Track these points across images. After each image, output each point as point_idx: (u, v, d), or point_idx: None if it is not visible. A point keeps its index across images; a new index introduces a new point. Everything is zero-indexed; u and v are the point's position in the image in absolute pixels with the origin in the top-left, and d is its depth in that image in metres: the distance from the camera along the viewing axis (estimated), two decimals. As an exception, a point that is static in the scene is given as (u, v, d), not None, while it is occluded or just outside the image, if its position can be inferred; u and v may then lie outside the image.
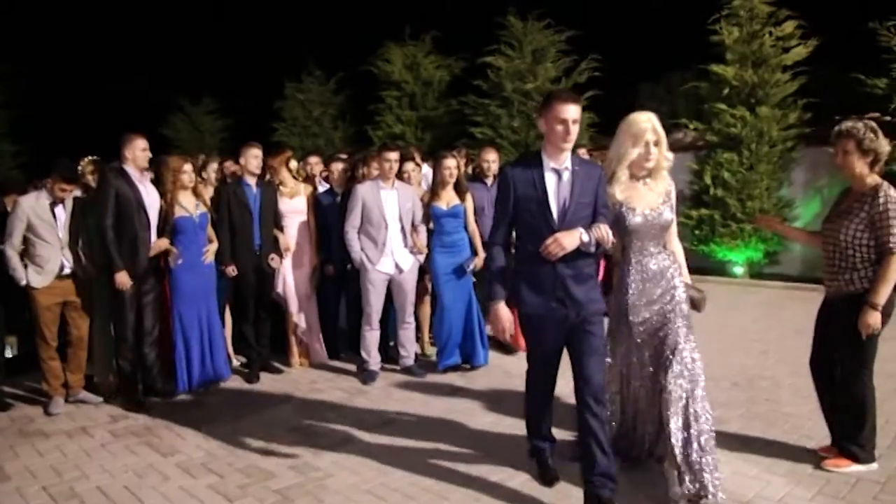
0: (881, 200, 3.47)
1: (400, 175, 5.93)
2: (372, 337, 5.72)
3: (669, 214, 3.58)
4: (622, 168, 3.53)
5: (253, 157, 5.71)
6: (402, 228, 5.64)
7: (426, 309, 6.38)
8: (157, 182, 5.35)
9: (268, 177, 5.99)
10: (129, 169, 5.09)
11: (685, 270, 3.73)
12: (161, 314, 5.38)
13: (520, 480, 3.68)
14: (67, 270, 5.03)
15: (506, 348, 6.35)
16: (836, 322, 3.70)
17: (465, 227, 5.87)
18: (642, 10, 17.73)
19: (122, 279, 4.95)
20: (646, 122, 3.50)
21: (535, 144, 11.25)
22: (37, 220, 4.91)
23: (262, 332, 5.91)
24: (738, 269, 10.43)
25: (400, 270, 5.63)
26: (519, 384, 5.35)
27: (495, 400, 5.03)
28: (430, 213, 5.80)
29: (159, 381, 5.31)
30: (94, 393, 5.30)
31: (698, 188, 10.71)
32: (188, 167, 5.35)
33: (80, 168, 5.42)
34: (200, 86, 17.28)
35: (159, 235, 5.20)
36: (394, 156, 5.57)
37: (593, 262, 3.44)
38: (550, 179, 3.28)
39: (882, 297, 3.46)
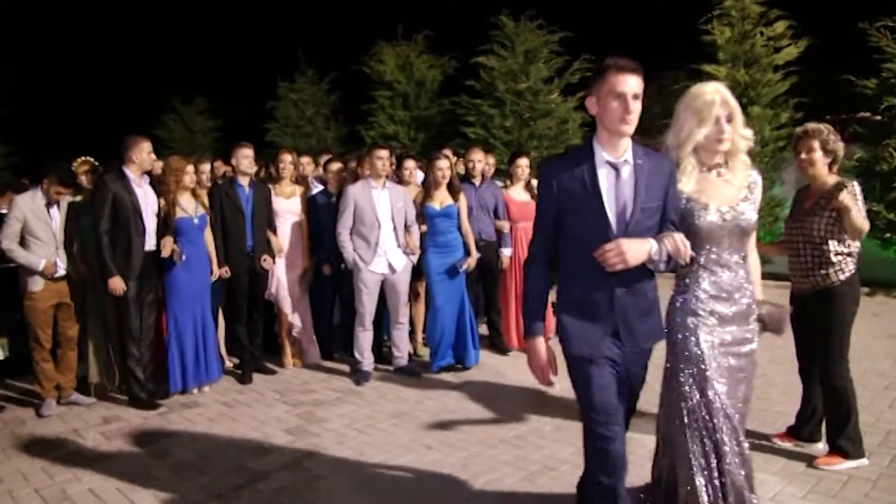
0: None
1: (400, 174, 5.93)
2: (365, 337, 5.71)
3: (752, 214, 2.84)
4: (687, 155, 2.84)
5: (244, 158, 5.70)
6: (395, 228, 5.62)
7: (420, 309, 6.38)
8: (157, 183, 5.34)
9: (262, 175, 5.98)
10: (130, 172, 5.08)
11: (759, 289, 3.04)
12: (157, 315, 5.37)
13: (514, 480, 3.69)
14: (62, 272, 5.01)
15: (499, 348, 6.36)
16: (814, 318, 3.78)
17: (459, 228, 5.86)
18: (634, 11, 17.78)
19: (116, 284, 4.94)
20: (712, 93, 2.78)
21: (527, 144, 11.26)
22: (33, 218, 4.90)
23: (254, 333, 5.91)
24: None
25: (393, 271, 5.62)
26: (512, 383, 5.40)
27: (489, 400, 5.04)
28: (423, 213, 5.79)
29: (151, 382, 5.29)
30: (85, 394, 5.29)
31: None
32: (190, 168, 5.34)
33: (73, 168, 5.40)
34: (192, 86, 17.23)
35: (161, 236, 5.19)
36: (384, 153, 5.57)
37: (655, 285, 2.75)
38: (605, 176, 2.56)
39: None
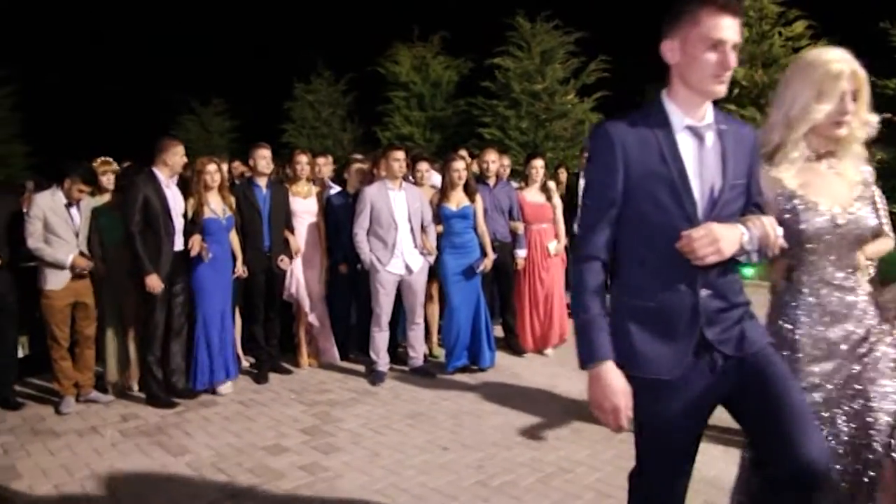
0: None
1: (413, 175, 5.94)
2: (381, 338, 5.72)
3: (872, 219, 2.25)
4: (797, 138, 2.23)
5: (262, 158, 5.73)
6: (412, 229, 5.63)
7: (435, 310, 6.38)
8: (184, 184, 5.42)
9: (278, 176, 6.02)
10: (160, 173, 5.15)
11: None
12: (187, 313, 5.43)
13: (529, 481, 3.68)
14: (89, 270, 5.08)
15: (514, 349, 6.35)
16: None
17: (475, 229, 5.86)
18: (651, 11, 17.68)
19: (153, 282, 4.99)
20: (839, 61, 2.17)
21: (543, 145, 11.22)
22: (53, 216, 4.95)
23: (271, 332, 5.93)
24: (748, 270, 10.37)
25: (410, 271, 5.62)
26: (527, 384, 5.39)
27: (504, 401, 5.03)
28: (439, 214, 5.80)
29: (181, 381, 5.35)
30: (103, 391, 5.34)
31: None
32: (211, 168, 5.38)
33: (93, 168, 5.46)
34: (210, 87, 17.36)
35: (188, 236, 5.24)
36: (400, 155, 5.58)
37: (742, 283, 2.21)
38: (687, 145, 1.98)
39: None
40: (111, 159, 5.55)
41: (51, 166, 5.13)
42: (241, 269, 5.59)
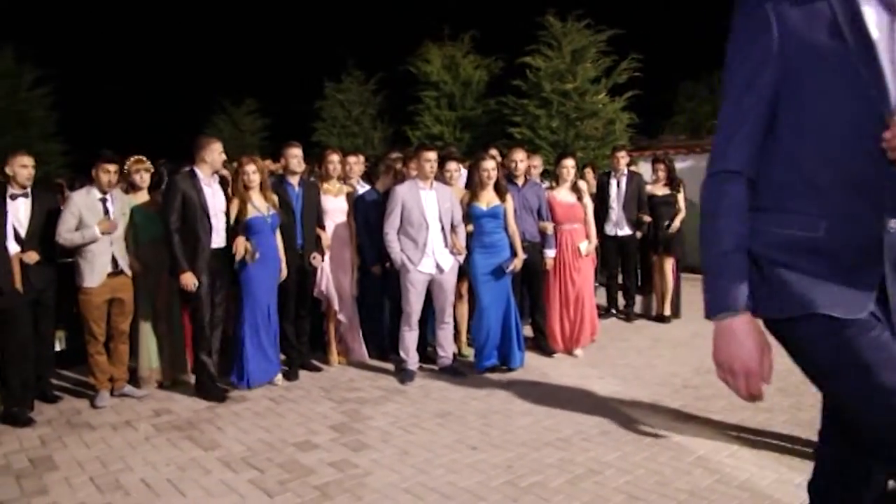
0: None
1: (442, 175, 5.93)
2: (410, 337, 5.73)
3: None
4: None
5: (293, 157, 5.77)
6: (443, 229, 5.62)
7: (464, 309, 6.38)
8: (225, 183, 5.51)
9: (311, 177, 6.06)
10: (200, 171, 5.22)
11: None
12: (229, 311, 5.51)
13: (558, 482, 3.66)
14: (122, 267, 5.16)
15: (544, 350, 6.32)
16: None
17: (505, 228, 5.84)
18: (684, 8, 17.50)
19: (187, 280, 5.07)
20: None
21: (574, 145, 11.16)
22: (88, 213, 5.04)
23: (302, 330, 5.97)
24: None
25: (441, 270, 5.62)
26: (556, 385, 5.36)
27: (533, 401, 5.01)
28: (469, 214, 5.79)
29: (218, 375, 5.43)
30: (136, 386, 5.43)
31: (741, 189, 10.50)
32: (249, 168, 5.43)
33: (126, 168, 5.55)
34: (242, 87, 17.56)
35: (232, 235, 5.31)
36: (432, 155, 5.58)
37: None
38: (875, 18, 1.48)
39: None
40: (144, 158, 5.64)
41: (86, 164, 5.22)
42: (284, 272, 5.64)
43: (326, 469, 3.91)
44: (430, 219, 5.55)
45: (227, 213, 5.36)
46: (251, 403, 5.14)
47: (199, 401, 5.23)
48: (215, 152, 5.28)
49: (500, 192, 5.80)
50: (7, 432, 4.60)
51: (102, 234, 5.03)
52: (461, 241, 5.76)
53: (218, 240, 5.27)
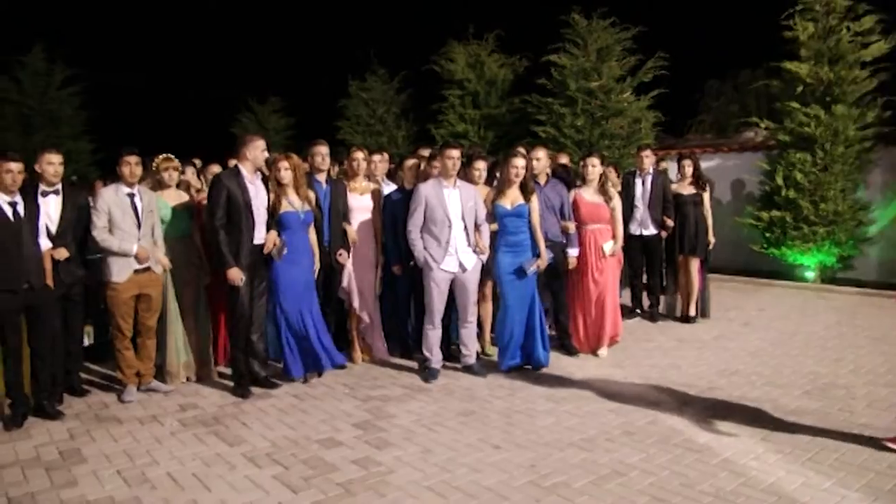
0: None
1: (469, 173, 5.90)
2: (434, 335, 5.73)
3: None
4: None
5: (320, 155, 5.81)
6: (466, 227, 5.58)
7: (488, 308, 6.35)
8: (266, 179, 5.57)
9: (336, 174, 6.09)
10: (243, 168, 5.29)
11: None
12: (269, 306, 5.56)
13: (582, 483, 3.64)
14: (152, 265, 5.22)
15: (568, 349, 6.29)
16: None
17: (530, 228, 5.79)
18: (710, 6, 17.32)
19: (234, 275, 5.14)
20: None
21: (599, 144, 11.11)
22: (117, 210, 5.10)
23: (328, 326, 5.99)
24: (810, 274, 10.08)
25: (464, 269, 5.59)
26: (580, 385, 5.33)
27: (556, 401, 4.99)
28: (493, 213, 5.75)
29: (263, 371, 5.50)
30: (163, 381, 5.50)
31: (769, 189, 10.39)
32: (283, 164, 5.50)
33: (154, 165, 5.61)
34: (267, 85, 17.68)
35: (267, 230, 5.37)
36: (456, 153, 5.56)
37: None
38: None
39: None
40: (172, 156, 5.70)
41: (114, 163, 5.28)
42: (317, 266, 5.68)
43: (350, 466, 3.92)
44: (454, 217, 5.52)
45: (268, 210, 5.42)
46: (276, 400, 5.18)
47: (224, 396, 5.28)
48: (258, 150, 5.32)
49: (526, 191, 5.72)
50: (37, 425, 4.67)
51: (137, 258, 5.11)
52: (485, 240, 5.72)
53: (259, 236, 5.33)
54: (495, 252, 5.75)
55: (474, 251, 5.67)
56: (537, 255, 5.76)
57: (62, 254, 4.93)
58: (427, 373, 5.68)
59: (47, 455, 4.17)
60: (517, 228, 5.71)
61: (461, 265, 5.59)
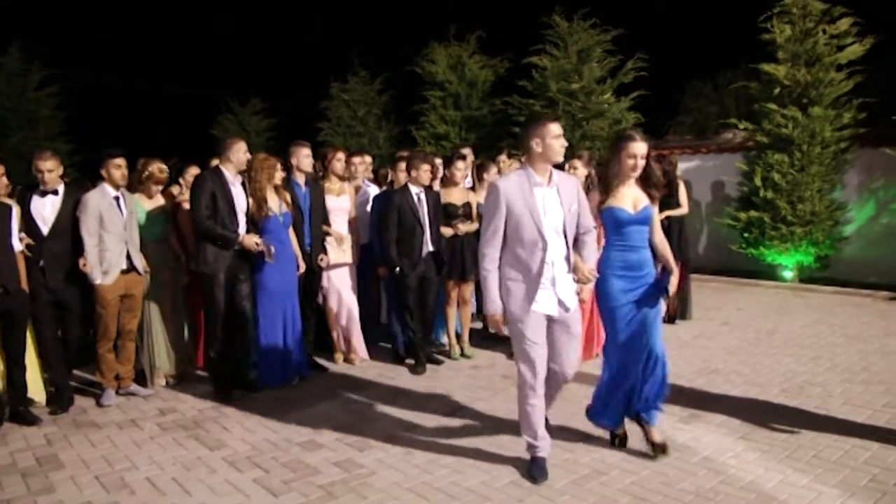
0: None
1: (451, 173, 5.74)
2: (536, 410, 3.78)
3: None
4: None
5: (304, 157, 5.79)
6: (567, 243, 3.73)
7: (467, 312, 6.35)
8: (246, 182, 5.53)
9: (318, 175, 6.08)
10: (226, 171, 5.25)
11: None
12: (253, 309, 5.50)
13: (564, 483, 3.65)
14: (136, 266, 5.19)
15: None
16: None
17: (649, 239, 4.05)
18: (689, 9, 17.47)
19: (249, 240, 5.17)
20: None
21: (580, 146, 11.16)
22: (106, 213, 5.06)
23: (308, 329, 5.97)
24: (788, 274, 10.18)
25: (566, 308, 3.72)
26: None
27: (538, 401, 5.00)
28: (607, 221, 3.95)
29: (247, 374, 5.45)
30: (142, 385, 5.45)
31: (747, 190, 10.48)
32: (279, 165, 5.51)
33: (138, 167, 5.57)
34: (248, 87, 17.58)
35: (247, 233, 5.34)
36: (558, 129, 3.72)
37: None
38: None
39: None
40: (165, 167, 5.67)
41: (93, 164, 5.24)
42: (303, 266, 5.66)
43: (331, 469, 3.91)
44: (549, 231, 3.64)
45: (247, 213, 5.38)
46: (256, 403, 5.15)
47: (204, 400, 5.24)
48: (240, 152, 5.29)
49: (653, 187, 3.99)
50: (13, 431, 4.62)
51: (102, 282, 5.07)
52: (590, 262, 3.86)
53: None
54: (605, 275, 3.90)
55: (576, 281, 3.83)
56: (665, 271, 4.00)
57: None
58: (533, 468, 3.77)
59: (24, 461, 4.13)
60: (641, 241, 3.93)
61: (561, 303, 3.73)
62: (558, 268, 3.69)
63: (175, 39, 23.14)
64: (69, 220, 5.02)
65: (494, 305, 3.70)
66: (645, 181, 3.95)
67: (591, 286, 3.89)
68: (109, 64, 21.69)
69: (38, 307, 4.93)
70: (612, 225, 3.92)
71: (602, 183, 4.02)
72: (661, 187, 4.05)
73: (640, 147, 3.84)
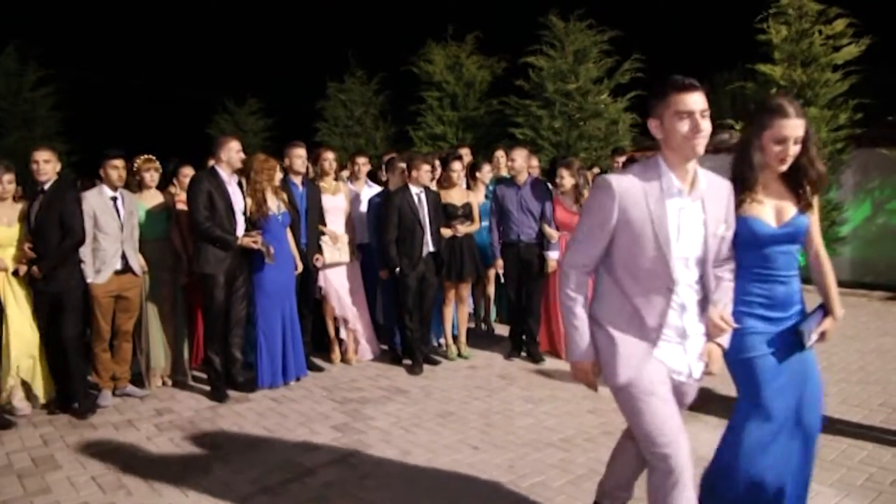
0: None
1: (447, 175, 5.75)
2: None
3: None
4: None
5: (298, 157, 5.79)
6: (703, 282, 2.55)
7: (464, 311, 6.35)
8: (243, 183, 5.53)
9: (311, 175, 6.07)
10: (221, 171, 5.25)
11: None
12: (248, 309, 5.51)
13: (560, 483, 3.66)
14: (132, 266, 5.17)
15: (533, 356, 6.13)
16: None
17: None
18: (686, 9, 17.47)
19: (247, 241, 5.17)
20: None
21: (576, 146, 11.18)
22: (101, 213, 5.05)
23: (304, 329, 5.97)
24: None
25: (693, 378, 2.62)
26: (557, 386, 5.35)
27: (534, 402, 5.01)
28: (737, 236, 2.71)
29: (241, 375, 5.45)
30: (138, 386, 5.44)
31: (744, 190, 10.50)
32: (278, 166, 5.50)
33: (135, 166, 5.57)
34: (244, 87, 17.56)
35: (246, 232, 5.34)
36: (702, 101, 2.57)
37: None
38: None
39: None
40: (153, 157, 5.66)
41: (89, 164, 5.23)
42: (300, 266, 5.66)
43: (327, 468, 3.91)
44: (680, 260, 2.47)
45: (244, 213, 5.38)
46: (253, 403, 5.15)
47: (201, 400, 5.24)
48: (233, 151, 5.28)
49: (804, 187, 2.78)
50: (9, 432, 4.61)
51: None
52: (726, 308, 2.66)
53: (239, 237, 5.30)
54: (742, 314, 2.76)
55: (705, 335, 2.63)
56: (824, 312, 2.95)
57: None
58: None
59: (20, 462, 4.12)
60: (787, 264, 2.85)
61: (690, 369, 2.60)
62: (689, 316, 2.55)
63: (172, 40, 23.08)
64: (45, 218, 4.82)
65: (579, 350, 2.58)
66: (793, 177, 2.76)
67: (727, 337, 2.65)
68: (106, 64, 21.63)
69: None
70: (748, 244, 2.76)
71: (737, 179, 2.74)
72: (820, 185, 2.79)
73: (793, 126, 2.64)
